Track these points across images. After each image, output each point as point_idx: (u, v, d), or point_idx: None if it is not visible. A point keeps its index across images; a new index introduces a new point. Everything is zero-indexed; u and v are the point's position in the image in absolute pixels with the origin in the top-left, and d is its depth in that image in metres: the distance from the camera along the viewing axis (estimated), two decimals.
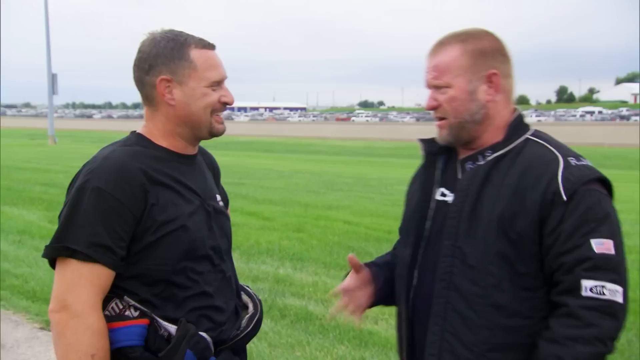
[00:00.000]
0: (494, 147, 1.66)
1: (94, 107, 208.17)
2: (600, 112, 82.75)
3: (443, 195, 1.72)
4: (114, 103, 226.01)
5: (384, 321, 4.72)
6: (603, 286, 1.48)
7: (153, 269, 1.65)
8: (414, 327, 1.73)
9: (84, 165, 1.73)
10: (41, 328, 4.62)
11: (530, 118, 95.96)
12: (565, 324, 1.50)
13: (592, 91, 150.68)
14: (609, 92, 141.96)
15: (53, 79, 35.96)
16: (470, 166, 1.68)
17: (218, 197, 1.88)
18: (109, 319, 1.62)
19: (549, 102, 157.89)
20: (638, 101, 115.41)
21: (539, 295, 1.58)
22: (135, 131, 1.80)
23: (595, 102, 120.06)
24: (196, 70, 1.67)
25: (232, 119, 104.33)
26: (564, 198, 1.53)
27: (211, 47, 1.72)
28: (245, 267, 6.26)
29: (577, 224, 1.52)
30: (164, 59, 1.66)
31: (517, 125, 1.69)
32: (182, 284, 1.68)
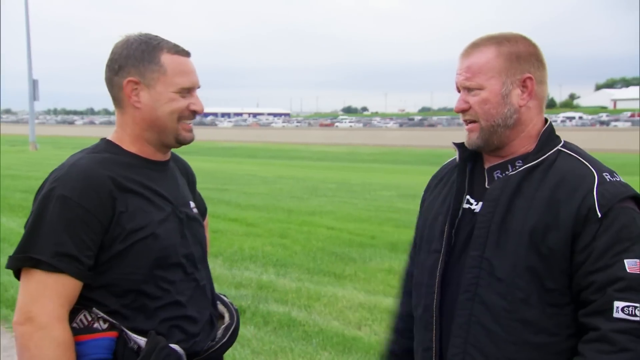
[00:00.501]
0: (525, 157, 1.61)
1: (75, 113, 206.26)
2: (580, 118, 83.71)
3: (469, 202, 1.66)
4: (96, 109, 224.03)
5: (368, 327, 4.70)
6: (635, 307, 1.42)
7: (123, 279, 1.60)
8: (442, 337, 1.65)
9: (51, 173, 1.66)
10: None
11: None
12: (598, 350, 1.44)
13: (572, 97, 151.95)
14: (589, 97, 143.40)
15: (34, 84, 35.56)
16: (499, 175, 1.62)
17: (192, 204, 1.82)
18: (76, 331, 1.56)
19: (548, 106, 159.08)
20: (617, 107, 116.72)
21: (565, 312, 1.52)
22: (104, 138, 1.75)
23: (575, 108, 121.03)
24: (165, 74, 1.63)
25: (215, 124, 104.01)
26: (599, 215, 1.48)
27: (185, 53, 1.69)
28: (229, 274, 6.21)
29: (611, 243, 1.46)
30: (133, 60, 1.63)
31: (549, 135, 1.63)
32: (153, 293, 1.62)
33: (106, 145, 1.71)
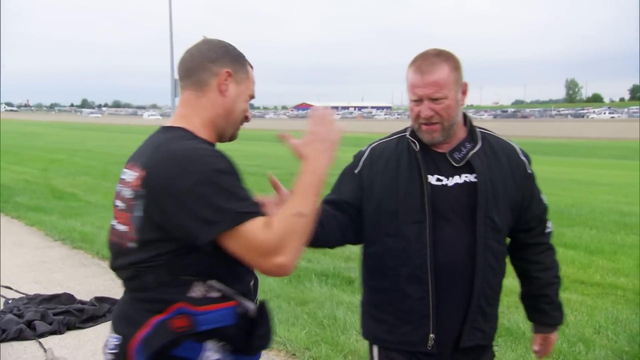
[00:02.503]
0: (468, 140, 1.89)
1: None
2: None
3: (439, 180, 1.86)
4: None
5: None
6: (550, 222, 2.05)
7: None
8: (439, 296, 1.84)
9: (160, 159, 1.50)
10: None
11: (604, 115, 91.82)
12: (549, 255, 2.04)
13: None
14: None
15: (175, 83, 37.46)
16: (459, 156, 1.86)
17: None
18: (198, 301, 1.50)
19: (622, 100, 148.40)
20: None
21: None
22: (180, 127, 1.60)
23: None
24: (248, 80, 1.68)
25: None
26: (529, 172, 1.95)
27: (252, 68, 1.73)
28: (339, 248, 6.27)
29: (538, 189, 2.00)
30: (231, 57, 1.64)
31: (471, 121, 1.93)
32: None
33: (188, 134, 1.59)
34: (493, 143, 1.91)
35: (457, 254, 1.84)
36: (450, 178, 1.86)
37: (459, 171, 1.86)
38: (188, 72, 1.64)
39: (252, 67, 1.72)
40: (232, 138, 1.70)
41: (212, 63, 1.62)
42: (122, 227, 1.57)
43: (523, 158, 1.93)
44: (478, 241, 1.84)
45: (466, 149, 1.87)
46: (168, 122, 1.65)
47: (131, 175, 1.56)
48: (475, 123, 1.93)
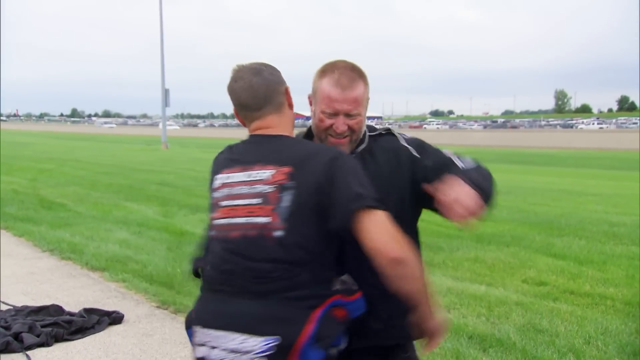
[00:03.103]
0: (361, 145, 1.92)
1: (198, 117, 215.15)
2: None
3: None
4: (215, 113, 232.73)
5: (456, 310, 4.32)
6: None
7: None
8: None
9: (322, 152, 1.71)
10: (157, 307, 4.78)
11: (592, 126, 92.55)
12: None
13: None
14: None
15: (166, 93, 37.50)
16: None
17: None
18: (344, 293, 1.69)
19: (610, 110, 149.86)
20: None
21: None
22: (282, 135, 1.80)
23: None
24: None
25: None
26: (417, 155, 1.89)
27: None
28: None
29: (429, 148, 1.97)
30: (280, 73, 1.85)
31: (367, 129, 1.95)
32: None
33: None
34: (374, 144, 1.92)
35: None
36: None
37: None
38: (265, 100, 1.77)
39: None
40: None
41: (279, 85, 1.80)
42: (260, 220, 1.64)
43: (406, 145, 1.91)
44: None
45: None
46: (267, 132, 1.79)
47: (265, 173, 1.68)
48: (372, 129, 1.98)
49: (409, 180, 1.87)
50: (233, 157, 1.78)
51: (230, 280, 1.66)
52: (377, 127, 2.01)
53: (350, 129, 1.83)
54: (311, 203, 1.61)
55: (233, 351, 1.59)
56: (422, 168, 1.86)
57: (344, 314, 1.67)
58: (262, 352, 1.56)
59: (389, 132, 1.97)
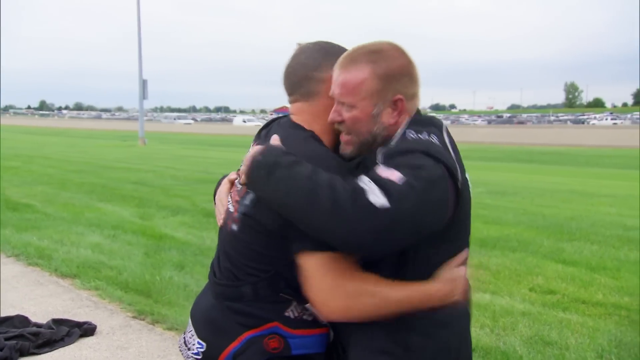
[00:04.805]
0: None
1: (179, 110, 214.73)
2: None
3: None
4: (198, 107, 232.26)
5: None
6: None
7: None
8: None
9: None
10: (133, 317, 4.73)
11: (605, 121, 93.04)
12: None
13: None
14: None
15: (144, 84, 37.38)
16: None
17: None
18: (294, 323, 1.59)
19: (625, 105, 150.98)
20: None
21: None
22: (301, 127, 1.70)
23: None
24: None
25: None
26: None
27: None
28: None
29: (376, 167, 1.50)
30: (333, 58, 1.65)
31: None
32: None
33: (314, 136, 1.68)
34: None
35: None
36: None
37: None
38: (294, 85, 1.71)
39: None
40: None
41: (316, 71, 1.68)
42: (230, 208, 1.69)
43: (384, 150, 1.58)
44: None
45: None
46: (292, 120, 1.72)
47: None
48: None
49: None
50: (259, 134, 1.81)
51: (210, 269, 1.79)
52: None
53: (344, 123, 1.62)
54: (270, 215, 1.53)
55: (185, 343, 1.71)
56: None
57: (277, 345, 1.58)
58: (195, 354, 1.65)
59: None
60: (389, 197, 1.35)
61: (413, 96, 1.64)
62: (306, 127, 1.68)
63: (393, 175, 1.40)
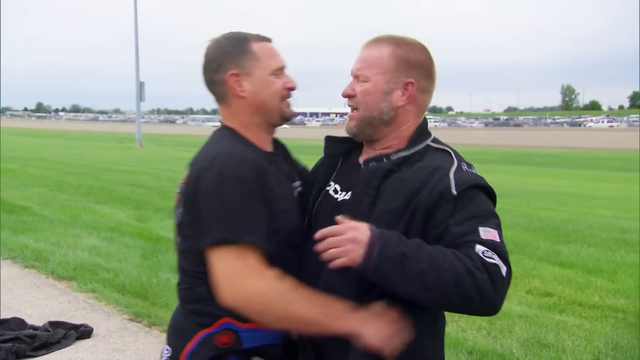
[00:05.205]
0: (398, 152, 1.66)
1: (177, 112, 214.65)
2: None
3: (335, 191, 1.73)
4: (195, 109, 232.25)
5: (454, 323, 4.14)
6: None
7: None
8: None
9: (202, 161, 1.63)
10: (130, 319, 4.74)
11: (602, 124, 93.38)
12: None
13: None
14: None
15: (141, 86, 37.36)
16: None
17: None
18: (246, 317, 1.58)
19: (621, 107, 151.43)
20: None
21: None
22: (229, 127, 1.75)
23: None
24: (259, 60, 1.70)
25: (304, 124, 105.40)
26: (454, 193, 1.52)
27: (268, 40, 1.75)
28: None
29: (466, 217, 1.51)
30: (229, 55, 1.69)
31: (421, 133, 1.69)
32: None
33: (234, 133, 1.73)
34: (427, 157, 1.65)
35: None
36: (344, 193, 1.72)
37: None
38: (209, 89, 1.76)
39: (264, 39, 1.75)
40: (285, 118, 1.77)
41: (216, 73, 1.70)
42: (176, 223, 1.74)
43: (451, 178, 1.56)
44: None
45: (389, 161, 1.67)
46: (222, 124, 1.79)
47: (186, 172, 1.71)
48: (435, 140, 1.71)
49: (419, 217, 1.55)
50: None
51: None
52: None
53: (356, 97, 1.67)
54: (191, 216, 1.62)
55: (161, 354, 1.75)
56: (442, 221, 1.52)
57: (228, 340, 1.61)
58: None
59: (447, 153, 1.66)
60: (503, 261, 1.47)
61: (426, 90, 1.70)
62: (232, 126, 1.73)
63: (495, 236, 1.51)
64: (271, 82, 1.72)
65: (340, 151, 1.82)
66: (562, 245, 7.54)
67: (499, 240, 1.51)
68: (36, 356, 4.05)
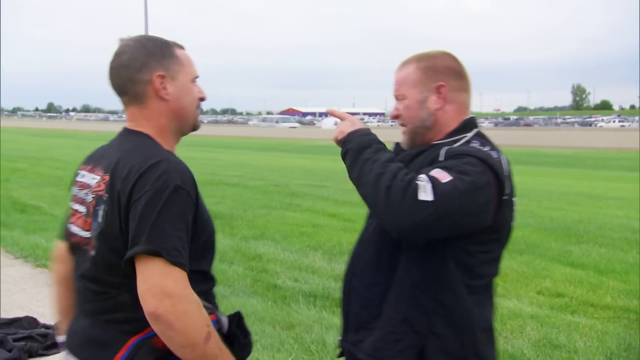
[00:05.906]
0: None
1: None
2: None
3: None
4: (204, 109, 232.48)
5: None
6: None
7: (202, 262, 1.68)
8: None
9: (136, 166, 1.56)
10: None
11: (613, 123, 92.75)
12: None
13: None
14: None
15: None
16: None
17: None
18: None
19: (632, 107, 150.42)
20: None
21: None
22: (141, 132, 1.69)
23: None
24: (183, 66, 1.69)
25: (313, 124, 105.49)
26: (441, 159, 1.66)
27: (184, 47, 1.74)
28: (328, 267, 6.30)
29: (435, 166, 1.65)
30: (155, 57, 1.65)
31: (462, 128, 1.78)
32: (208, 272, 1.73)
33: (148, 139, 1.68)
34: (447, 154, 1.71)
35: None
36: None
37: None
38: (124, 87, 1.68)
39: (181, 46, 1.73)
40: (194, 128, 1.77)
41: (139, 72, 1.65)
42: (85, 234, 1.62)
43: (445, 149, 1.69)
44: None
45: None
46: (129, 127, 1.72)
47: (93, 179, 1.63)
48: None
49: None
50: (92, 153, 1.78)
51: (77, 295, 1.73)
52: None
53: (400, 115, 1.84)
54: (118, 223, 1.52)
55: None
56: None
57: None
58: None
59: (476, 143, 1.73)
60: (434, 194, 1.52)
61: (460, 89, 1.82)
62: (143, 131, 1.67)
63: (443, 176, 1.56)
64: (191, 89, 1.71)
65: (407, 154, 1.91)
66: (573, 246, 7.51)
67: (445, 181, 1.55)
68: (48, 355, 4.08)
